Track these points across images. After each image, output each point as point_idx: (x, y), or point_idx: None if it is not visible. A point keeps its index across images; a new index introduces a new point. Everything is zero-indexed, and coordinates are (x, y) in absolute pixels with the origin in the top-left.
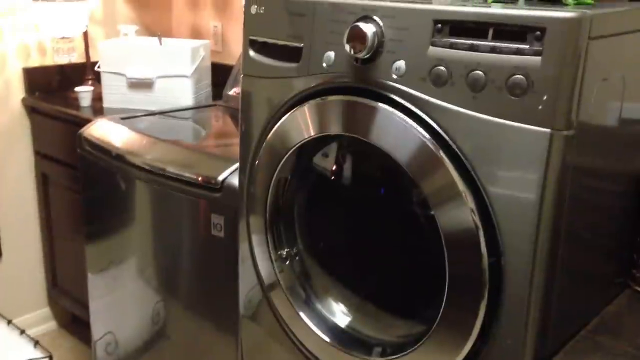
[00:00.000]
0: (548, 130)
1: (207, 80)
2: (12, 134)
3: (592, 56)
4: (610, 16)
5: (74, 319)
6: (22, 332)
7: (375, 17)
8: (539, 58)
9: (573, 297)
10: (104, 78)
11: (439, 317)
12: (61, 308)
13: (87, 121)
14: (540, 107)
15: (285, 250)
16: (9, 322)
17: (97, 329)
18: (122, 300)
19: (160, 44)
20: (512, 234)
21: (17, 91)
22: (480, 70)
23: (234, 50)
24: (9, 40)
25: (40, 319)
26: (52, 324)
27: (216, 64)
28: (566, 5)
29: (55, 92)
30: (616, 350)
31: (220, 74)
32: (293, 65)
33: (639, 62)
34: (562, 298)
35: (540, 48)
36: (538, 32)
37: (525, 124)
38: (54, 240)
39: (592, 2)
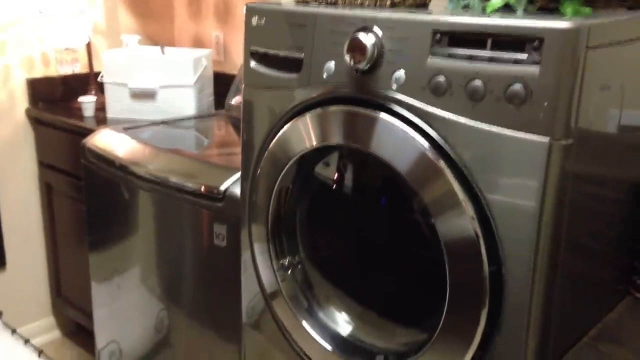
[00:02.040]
0: (547, 139)
1: (210, 89)
2: (16, 144)
3: (590, 65)
4: (608, 26)
5: (78, 328)
6: (27, 341)
7: (375, 28)
8: (537, 68)
9: (574, 305)
10: (107, 88)
11: (440, 325)
12: (65, 317)
13: (90, 131)
14: (538, 116)
15: (287, 259)
16: (13, 331)
17: (101, 338)
18: (125, 308)
19: (163, 53)
20: (512, 242)
21: (21, 102)
22: (479, 80)
23: (236, 59)
24: (13, 51)
25: (45, 328)
26: (56, 333)
27: (218, 73)
28: (564, 15)
29: (58, 102)
30: (619, 358)
31: (222, 83)
32: (294, 75)
33: (638, 70)
34: (563, 306)
35: (539, 58)
36: (536, 42)
37: (524, 133)
38: (57, 249)
39: (591, 11)
